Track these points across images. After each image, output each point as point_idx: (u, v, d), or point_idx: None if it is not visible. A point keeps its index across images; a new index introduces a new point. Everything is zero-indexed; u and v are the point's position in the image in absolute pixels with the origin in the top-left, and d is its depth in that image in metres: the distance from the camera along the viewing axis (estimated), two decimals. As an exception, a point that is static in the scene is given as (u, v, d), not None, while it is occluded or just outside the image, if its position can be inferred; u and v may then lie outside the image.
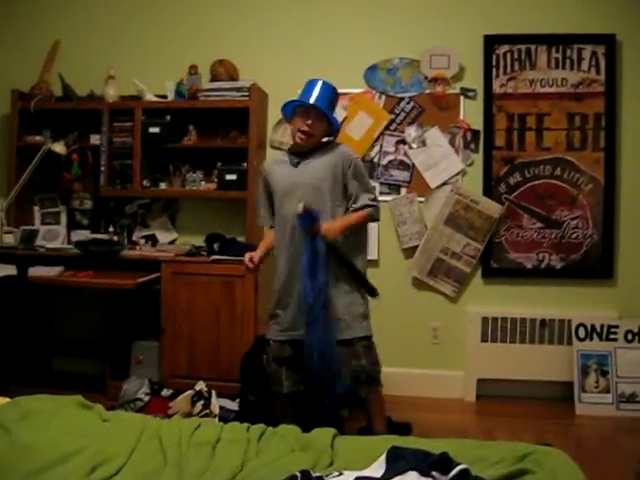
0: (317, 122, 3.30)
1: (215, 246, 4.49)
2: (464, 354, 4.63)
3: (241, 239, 4.60)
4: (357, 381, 3.29)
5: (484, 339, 4.57)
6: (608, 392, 4.35)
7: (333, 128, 3.44)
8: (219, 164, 4.62)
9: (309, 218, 3.14)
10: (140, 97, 4.69)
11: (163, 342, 4.38)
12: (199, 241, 4.72)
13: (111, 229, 4.85)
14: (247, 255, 3.42)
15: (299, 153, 3.38)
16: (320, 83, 3.36)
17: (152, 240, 4.89)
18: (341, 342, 3.27)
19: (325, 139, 3.46)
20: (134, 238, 4.91)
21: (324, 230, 3.17)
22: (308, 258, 3.15)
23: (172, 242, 4.89)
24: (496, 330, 4.55)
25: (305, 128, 3.29)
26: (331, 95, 3.39)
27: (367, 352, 3.33)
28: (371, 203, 3.38)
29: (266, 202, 3.53)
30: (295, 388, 3.42)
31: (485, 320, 4.57)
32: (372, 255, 4.61)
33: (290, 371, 3.37)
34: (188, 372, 4.31)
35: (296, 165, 3.36)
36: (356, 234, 3.41)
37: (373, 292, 3.38)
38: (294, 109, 3.37)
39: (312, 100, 3.31)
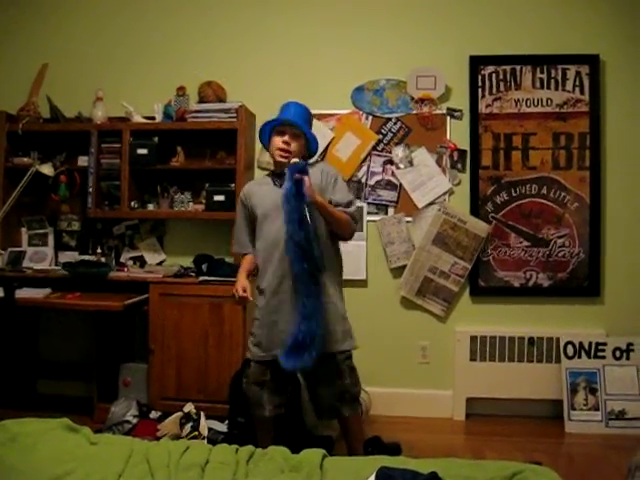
0: (294, 139, 3.30)
1: (203, 267, 4.47)
2: (453, 373, 4.62)
3: (229, 260, 4.56)
4: (341, 400, 3.27)
5: (473, 358, 4.57)
6: (597, 409, 4.35)
7: (311, 148, 3.41)
8: (207, 185, 4.58)
9: (299, 169, 3.03)
10: (128, 119, 4.68)
11: (151, 364, 4.34)
12: (187, 262, 4.69)
13: (99, 250, 4.80)
14: (239, 287, 3.34)
15: (281, 174, 3.29)
16: (293, 104, 3.39)
17: (140, 261, 4.87)
18: (326, 357, 3.21)
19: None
20: (122, 259, 4.88)
21: (309, 192, 3.03)
22: (290, 206, 3.03)
23: (160, 263, 4.86)
24: (485, 349, 4.56)
25: (283, 145, 3.28)
26: (305, 114, 3.41)
27: (351, 371, 3.32)
28: (354, 218, 3.33)
29: (246, 228, 3.47)
30: (277, 412, 3.37)
31: (474, 339, 4.57)
32: (360, 275, 4.67)
33: (272, 394, 3.32)
34: (176, 394, 4.28)
35: (280, 185, 3.27)
36: (333, 244, 3.36)
37: (318, 267, 3.15)
38: (271, 131, 3.36)
39: (288, 117, 3.33)
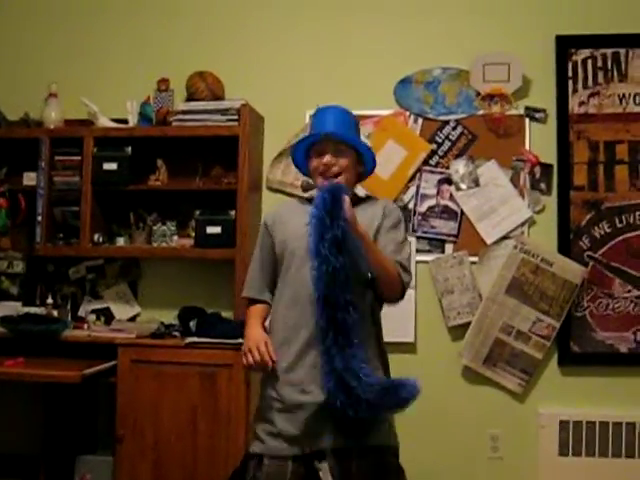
0: (340, 155, 3.06)
1: (192, 324, 4.36)
2: (536, 473, 4.40)
3: (227, 314, 4.43)
4: None
5: (563, 452, 4.36)
6: None
7: (366, 166, 3.19)
8: (197, 212, 4.49)
9: (335, 193, 2.80)
10: (92, 122, 4.64)
11: (119, 456, 4.20)
12: (170, 317, 4.56)
13: (50, 301, 4.68)
14: (256, 342, 2.95)
15: None
16: (332, 109, 3.24)
17: (105, 316, 4.78)
18: (367, 452, 2.90)
19: (363, 193, 3.21)
20: (81, 313, 4.79)
21: (350, 213, 2.80)
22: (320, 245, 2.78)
23: (133, 318, 4.78)
24: (580, 439, 4.35)
25: (323, 168, 3.03)
26: (350, 120, 3.23)
27: (398, 474, 3.00)
28: (405, 269, 3.06)
29: (266, 267, 3.19)
30: None
31: (564, 425, 4.37)
32: (407, 336, 4.52)
33: None
34: (154, 499, 4.16)
35: None
36: (372, 313, 3.09)
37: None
38: (308, 151, 3.14)
39: (325, 129, 3.11)
